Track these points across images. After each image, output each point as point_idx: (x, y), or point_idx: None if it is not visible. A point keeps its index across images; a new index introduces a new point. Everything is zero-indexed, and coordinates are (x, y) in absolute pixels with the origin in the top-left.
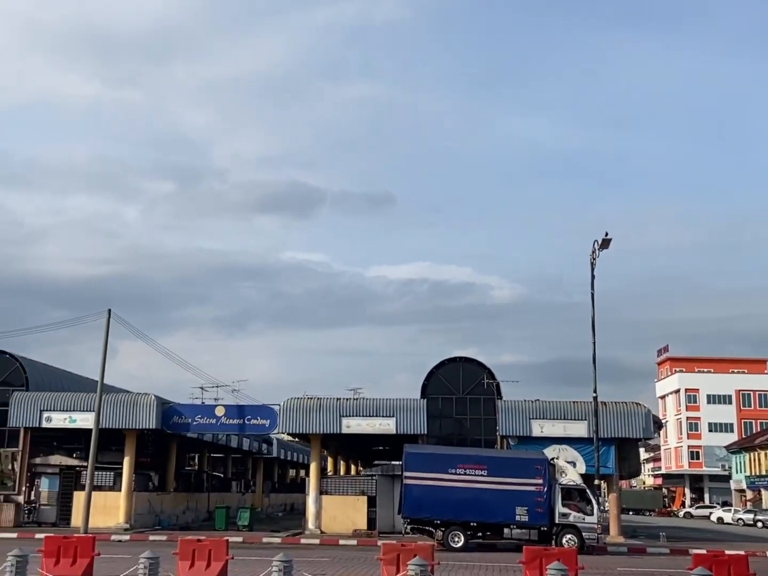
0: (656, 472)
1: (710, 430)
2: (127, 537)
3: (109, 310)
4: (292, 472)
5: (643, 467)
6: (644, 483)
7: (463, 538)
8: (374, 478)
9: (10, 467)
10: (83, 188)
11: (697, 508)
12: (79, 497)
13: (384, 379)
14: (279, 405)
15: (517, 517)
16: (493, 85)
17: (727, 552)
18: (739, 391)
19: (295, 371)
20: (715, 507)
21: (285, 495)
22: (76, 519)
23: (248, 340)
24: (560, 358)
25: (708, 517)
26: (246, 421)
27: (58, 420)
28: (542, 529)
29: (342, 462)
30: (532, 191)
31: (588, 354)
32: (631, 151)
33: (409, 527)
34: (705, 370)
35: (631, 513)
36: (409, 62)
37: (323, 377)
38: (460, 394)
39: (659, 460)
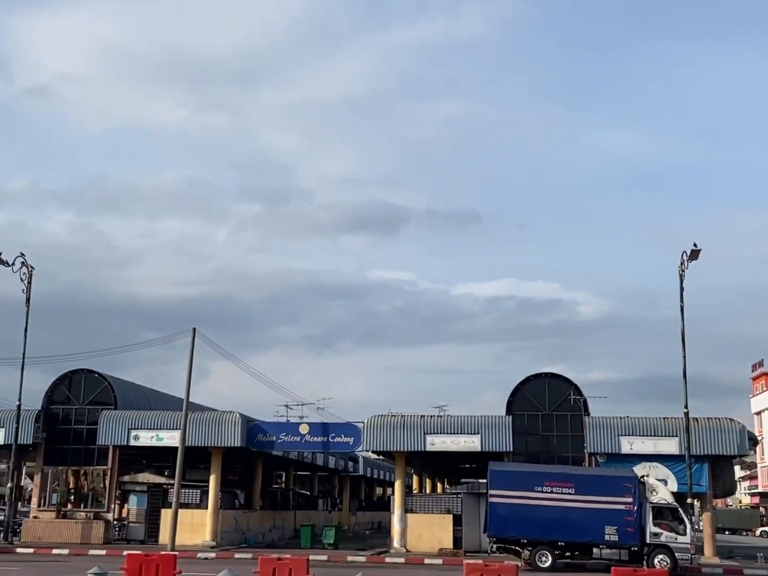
0: (753, 491)
1: None
2: (213, 555)
3: (194, 329)
4: (379, 490)
5: (738, 485)
6: (740, 502)
7: (550, 558)
8: (460, 496)
9: (101, 485)
10: (173, 211)
11: None
12: (166, 515)
13: (471, 397)
14: (363, 422)
15: (607, 537)
16: (577, 98)
17: None
18: None
19: (382, 390)
20: None
21: (372, 513)
22: (164, 536)
23: (337, 358)
24: (650, 374)
25: None
26: (330, 439)
27: (145, 438)
28: (633, 549)
29: (428, 480)
30: (619, 205)
31: (679, 370)
32: (720, 162)
33: (495, 546)
34: None
35: (727, 533)
36: (493, 78)
37: (410, 395)
38: (547, 411)
39: (756, 478)
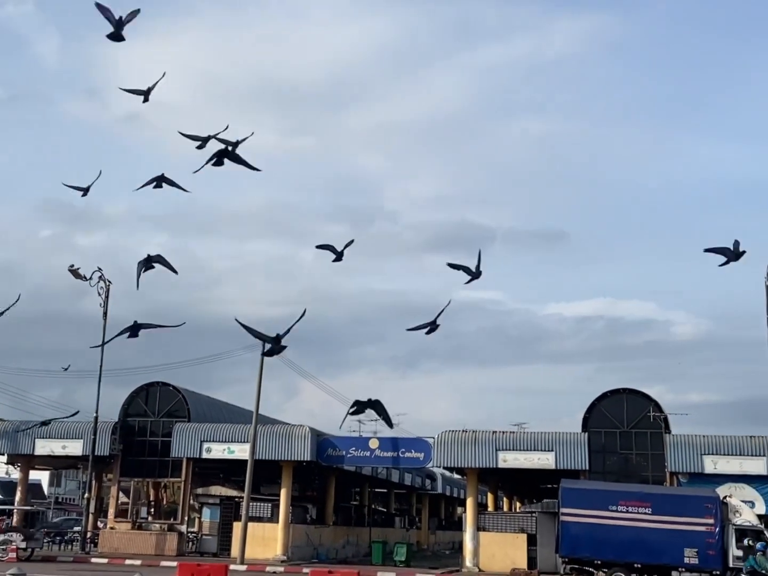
0: None
1: None
2: (282, 569)
3: (264, 343)
4: (460, 510)
5: None
6: None
7: None
8: (534, 515)
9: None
10: (261, 233)
11: None
12: (237, 528)
13: (559, 418)
14: (434, 438)
15: (686, 560)
16: (671, 114)
17: None
18: None
19: (467, 410)
20: None
21: (453, 533)
22: (235, 549)
23: (422, 378)
24: (749, 397)
25: None
26: (400, 454)
27: (217, 451)
28: (714, 573)
29: (505, 499)
30: (719, 222)
31: None
32: None
33: (567, 567)
34: None
35: None
36: (584, 96)
37: (494, 416)
38: (625, 428)
39: None
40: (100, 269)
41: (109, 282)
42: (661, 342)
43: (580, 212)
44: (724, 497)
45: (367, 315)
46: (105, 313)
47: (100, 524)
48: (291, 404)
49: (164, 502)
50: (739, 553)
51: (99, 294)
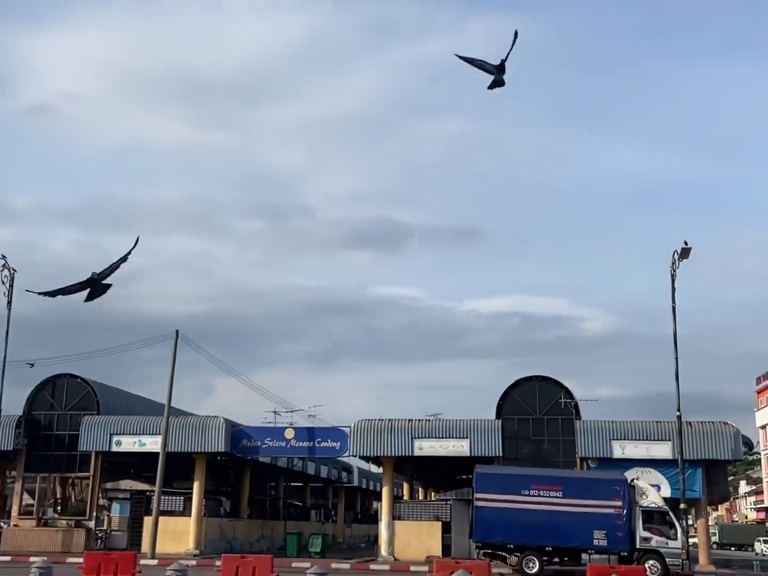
0: (758, 506)
1: None
2: (194, 562)
3: (177, 331)
4: (376, 504)
5: (744, 501)
6: (746, 517)
7: (538, 564)
8: (449, 502)
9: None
10: (177, 228)
11: None
12: (149, 522)
13: (478, 413)
14: (350, 427)
15: (595, 542)
16: (581, 116)
17: None
18: None
19: (385, 406)
20: None
21: (369, 526)
22: (146, 544)
23: (339, 375)
24: (656, 391)
25: None
26: (316, 444)
27: (127, 444)
28: (622, 554)
29: (421, 489)
30: (626, 221)
31: (686, 387)
32: (727, 178)
33: (481, 552)
34: None
35: (732, 549)
36: (498, 95)
37: (412, 411)
38: (537, 415)
39: (761, 493)
40: (3, 257)
41: (14, 270)
42: (572, 338)
43: (494, 210)
44: (632, 480)
45: (284, 311)
46: (9, 302)
47: (3, 524)
48: (206, 403)
49: (72, 499)
50: (646, 534)
51: (3, 283)
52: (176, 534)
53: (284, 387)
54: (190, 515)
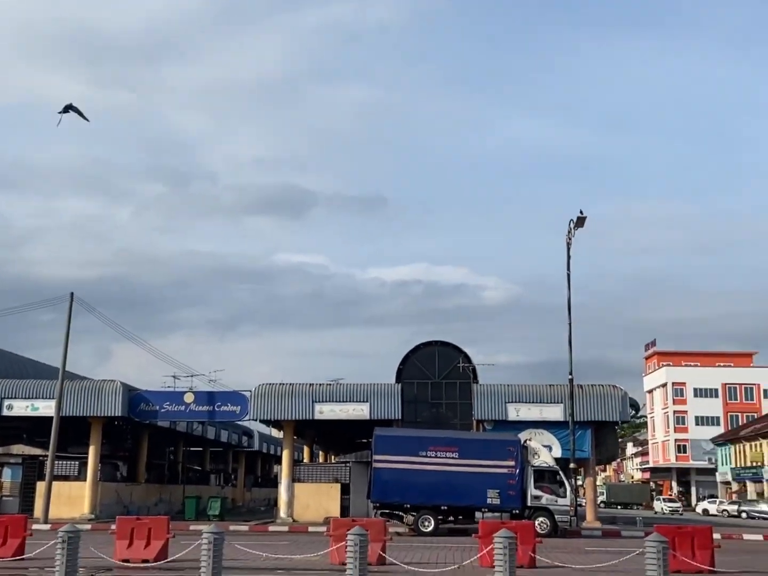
0: (644, 466)
1: (697, 424)
2: (88, 527)
3: (72, 294)
4: (276, 467)
5: (631, 462)
6: (632, 477)
7: (433, 523)
8: (348, 465)
9: None
10: (73, 190)
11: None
12: (41, 487)
13: (378, 380)
14: (250, 391)
15: (489, 500)
16: (486, 87)
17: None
18: (726, 384)
19: (289, 373)
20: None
21: (269, 489)
22: (39, 509)
23: (241, 341)
24: (552, 359)
25: (694, 510)
26: (216, 408)
27: (19, 408)
28: (514, 512)
29: (321, 453)
30: (528, 192)
31: (580, 353)
32: (625, 152)
33: (378, 512)
34: (692, 364)
35: (619, 507)
36: (405, 64)
37: (315, 378)
38: (436, 379)
39: (647, 454)
40: None
41: None
42: (474, 306)
43: (400, 179)
44: (525, 441)
45: (185, 277)
46: None
47: None
48: (103, 369)
49: None
50: (537, 492)
51: None
52: (71, 499)
53: (185, 354)
54: (85, 480)
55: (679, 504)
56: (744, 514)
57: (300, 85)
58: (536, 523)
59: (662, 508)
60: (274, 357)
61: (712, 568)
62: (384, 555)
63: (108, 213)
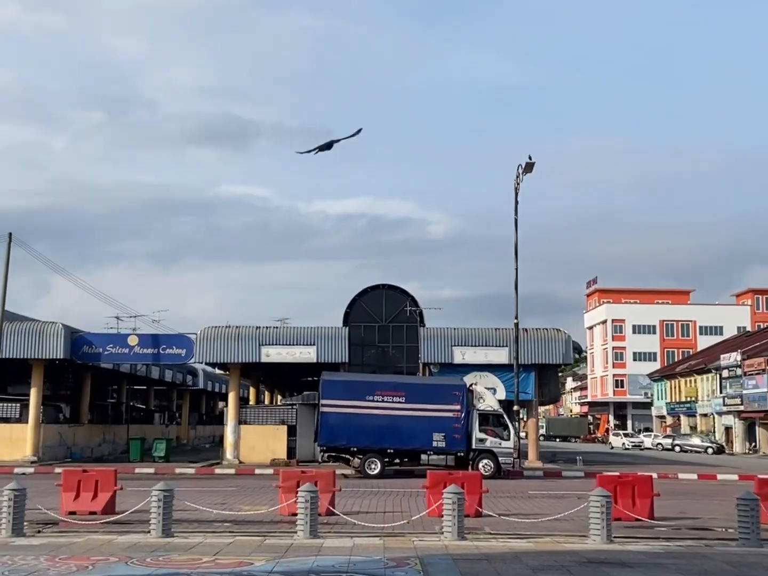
0: (582, 401)
1: (635, 360)
2: (32, 470)
3: (10, 234)
4: (221, 405)
5: (570, 396)
6: (571, 411)
7: (379, 465)
8: (295, 407)
9: None
10: (6, 116)
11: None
12: None
13: (323, 314)
14: (196, 334)
15: (435, 444)
16: (434, 19)
17: (640, 474)
18: (663, 321)
19: (233, 307)
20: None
21: (213, 427)
22: None
23: (184, 274)
24: (497, 293)
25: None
26: (161, 351)
27: None
28: (459, 454)
29: (267, 393)
30: (474, 126)
31: (523, 287)
32: (570, 87)
33: (325, 455)
34: (631, 301)
35: (558, 440)
36: None
37: (257, 312)
38: (383, 322)
39: (586, 388)
40: None
41: None
42: (418, 240)
43: (344, 111)
44: (470, 385)
45: (125, 208)
46: None
47: None
48: (42, 302)
49: None
50: (482, 435)
51: None
52: (12, 441)
53: (126, 286)
54: (27, 422)
55: (641, 438)
56: (677, 448)
57: (244, 10)
58: (480, 465)
59: (623, 444)
60: (218, 290)
61: (650, 519)
62: (333, 509)
63: (43, 141)
